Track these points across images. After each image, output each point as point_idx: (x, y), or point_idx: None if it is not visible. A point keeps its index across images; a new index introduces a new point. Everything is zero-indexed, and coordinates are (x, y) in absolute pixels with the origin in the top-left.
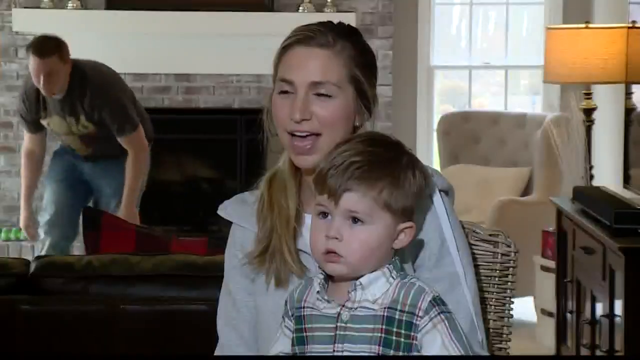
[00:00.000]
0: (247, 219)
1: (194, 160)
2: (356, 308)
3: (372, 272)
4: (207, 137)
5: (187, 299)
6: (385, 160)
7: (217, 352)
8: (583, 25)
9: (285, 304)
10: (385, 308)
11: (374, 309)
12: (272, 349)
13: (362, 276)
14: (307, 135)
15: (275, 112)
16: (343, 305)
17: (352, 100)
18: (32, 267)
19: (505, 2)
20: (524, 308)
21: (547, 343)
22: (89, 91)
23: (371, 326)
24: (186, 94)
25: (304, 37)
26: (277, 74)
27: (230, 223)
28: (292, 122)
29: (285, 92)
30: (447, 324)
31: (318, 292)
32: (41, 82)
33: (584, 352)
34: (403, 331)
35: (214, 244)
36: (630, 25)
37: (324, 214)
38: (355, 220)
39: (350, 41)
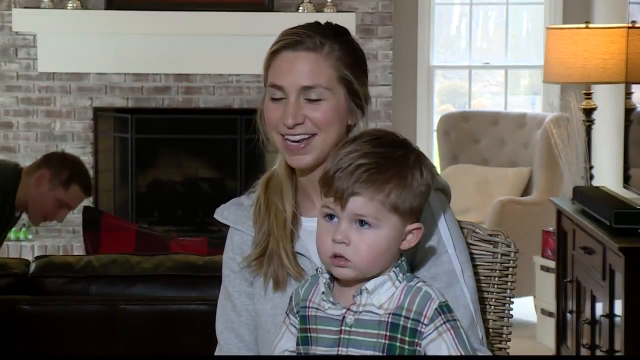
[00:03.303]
0: (244, 223)
1: (194, 160)
2: (361, 312)
3: (379, 276)
4: (207, 137)
5: (187, 299)
6: (392, 161)
7: (216, 355)
8: (583, 25)
9: (291, 301)
10: (389, 314)
11: (378, 314)
12: (277, 346)
13: (369, 279)
14: (301, 139)
15: (267, 115)
16: (348, 309)
17: (343, 100)
18: (32, 267)
19: (505, 2)
20: (524, 308)
21: (547, 343)
22: None
23: (375, 332)
24: (186, 94)
25: (291, 41)
26: (267, 79)
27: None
28: (284, 126)
29: (277, 98)
30: (452, 333)
31: (323, 292)
32: None
33: (584, 352)
34: (407, 338)
35: (214, 244)
36: (630, 25)
37: (330, 216)
38: (362, 223)
39: (337, 42)
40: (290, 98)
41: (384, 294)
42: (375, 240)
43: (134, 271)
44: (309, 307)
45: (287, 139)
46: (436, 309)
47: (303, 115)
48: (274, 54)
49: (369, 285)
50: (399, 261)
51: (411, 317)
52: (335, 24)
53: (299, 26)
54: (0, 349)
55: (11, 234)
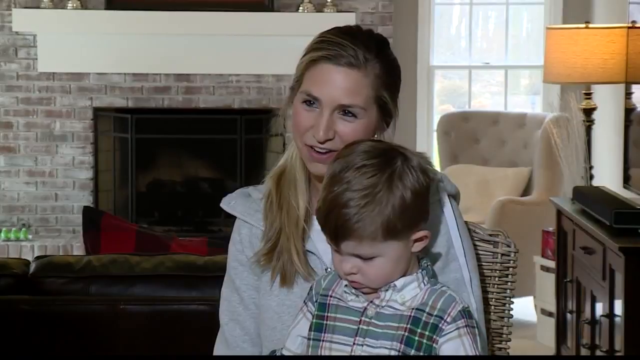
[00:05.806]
0: (252, 215)
1: (194, 160)
2: (383, 306)
3: (408, 276)
4: (207, 137)
5: (187, 299)
6: (374, 195)
7: (218, 345)
8: (583, 25)
9: (310, 290)
10: (412, 309)
11: (400, 310)
12: (292, 330)
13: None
14: (326, 151)
15: (296, 120)
16: (371, 302)
17: (375, 119)
18: (32, 267)
19: (505, 2)
20: (524, 308)
21: (547, 343)
22: None
23: (396, 324)
24: (186, 94)
25: (334, 54)
26: (300, 83)
27: (232, 217)
28: (313, 138)
29: (310, 102)
30: (472, 338)
31: (346, 285)
32: None
33: (584, 352)
34: (427, 333)
35: (214, 244)
36: (630, 25)
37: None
38: (363, 257)
39: (379, 59)
40: (324, 112)
41: (408, 293)
42: (380, 266)
43: (134, 271)
44: (330, 296)
45: (313, 148)
46: (460, 311)
47: (334, 131)
48: (313, 62)
49: (398, 283)
50: (426, 265)
51: (434, 313)
52: (377, 34)
53: (340, 32)
54: (0, 349)
55: (11, 234)
